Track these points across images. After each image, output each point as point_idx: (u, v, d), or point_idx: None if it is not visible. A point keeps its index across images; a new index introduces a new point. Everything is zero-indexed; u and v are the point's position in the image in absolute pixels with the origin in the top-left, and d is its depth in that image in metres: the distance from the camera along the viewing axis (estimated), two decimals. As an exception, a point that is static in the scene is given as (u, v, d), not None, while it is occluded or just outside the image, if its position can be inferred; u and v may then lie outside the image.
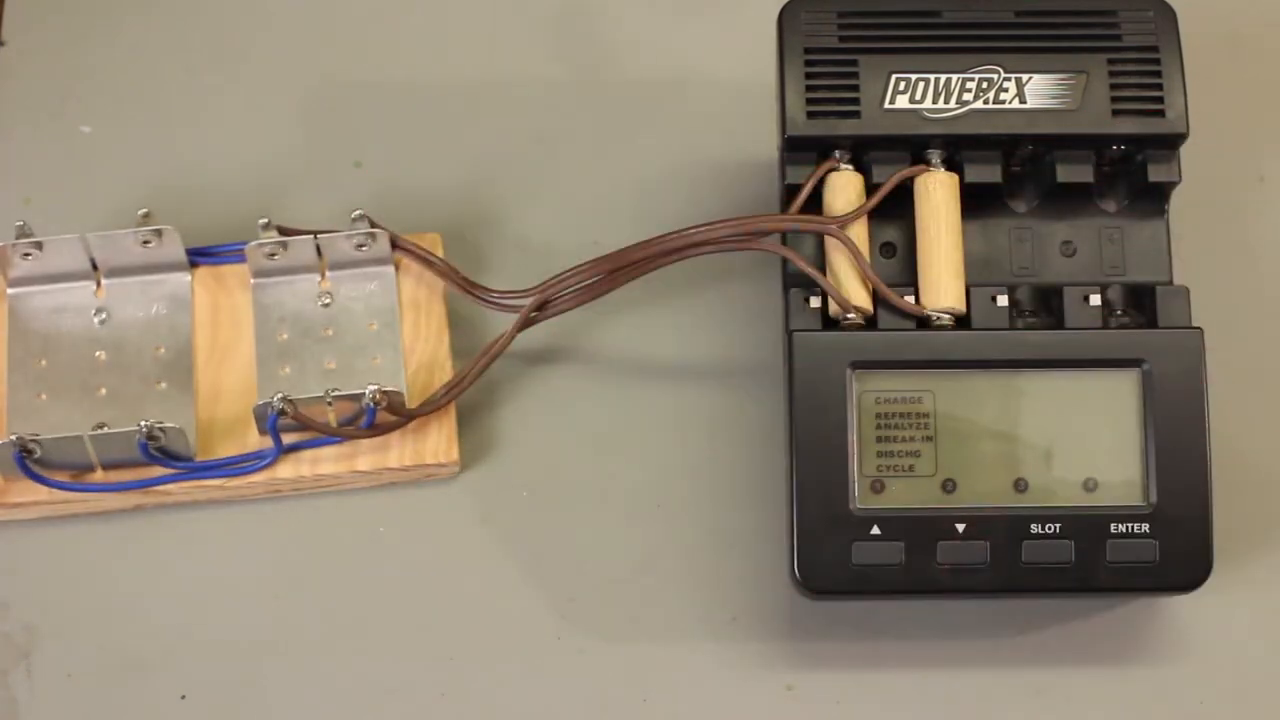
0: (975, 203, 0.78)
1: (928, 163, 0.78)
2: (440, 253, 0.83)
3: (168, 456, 0.78)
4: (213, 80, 0.88)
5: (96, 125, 0.87)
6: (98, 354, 0.81)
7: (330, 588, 0.79)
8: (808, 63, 0.77)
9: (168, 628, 0.79)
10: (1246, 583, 0.80)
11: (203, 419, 0.80)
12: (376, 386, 0.78)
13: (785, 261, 0.79)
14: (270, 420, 0.77)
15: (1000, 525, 0.74)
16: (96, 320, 0.82)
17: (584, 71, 0.89)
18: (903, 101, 0.77)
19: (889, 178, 0.78)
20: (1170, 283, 0.78)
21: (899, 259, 0.79)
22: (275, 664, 0.78)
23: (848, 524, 0.74)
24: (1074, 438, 0.75)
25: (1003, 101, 0.77)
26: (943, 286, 0.77)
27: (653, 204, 0.85)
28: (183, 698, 0.78)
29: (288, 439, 0.79)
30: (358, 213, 0.81)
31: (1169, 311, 0.77)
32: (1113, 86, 0.77)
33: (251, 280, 0.82)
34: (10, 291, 0.82)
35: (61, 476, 0.78)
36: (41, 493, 0.78)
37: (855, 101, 0.77)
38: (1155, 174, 0.78)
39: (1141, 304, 0.78)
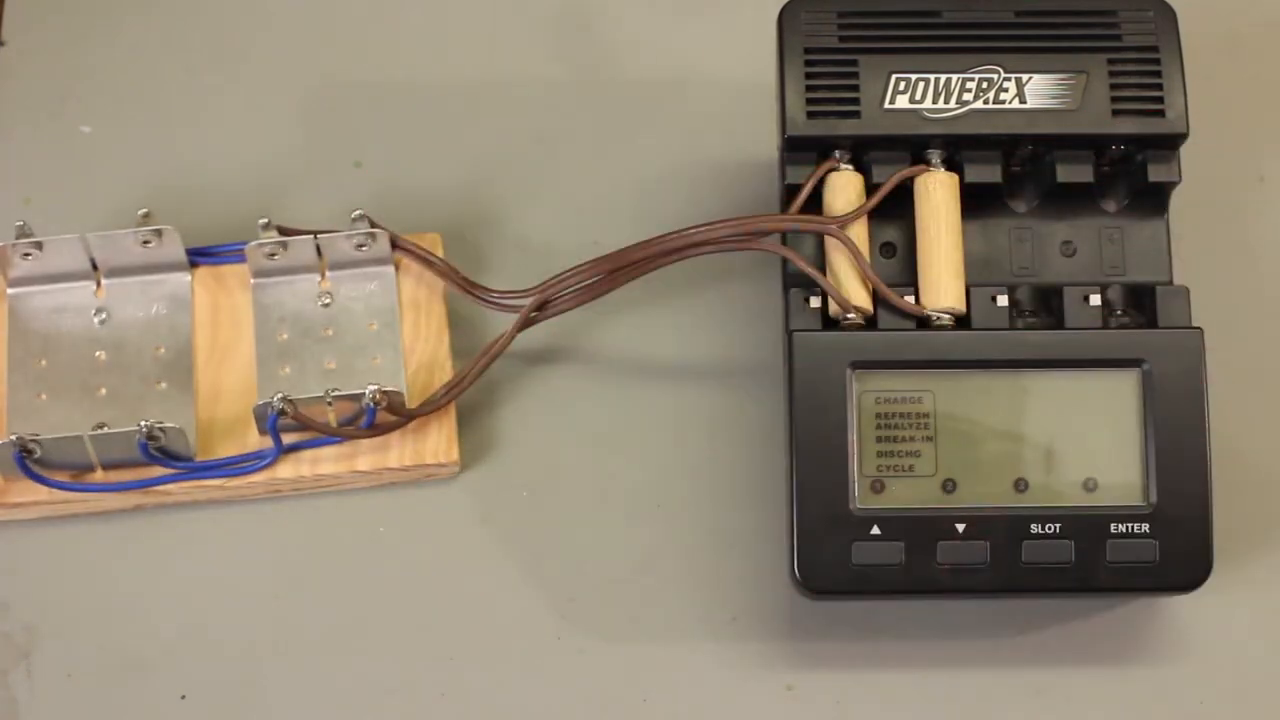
0: (975, 203, 0.78)
1: (928, 163, 0.78)
2: (440, 253, 0.83)
3: (168, 456, 0.78)
4: (213, 80, 0.88)
5: (96, 125, 0.87)
6: (98, 354, 0.81)
7: (330, 588, 0.79)
8: (808, 63, 0.77)
9: (168, 628, 0.78)
10: (1246, 583, 0.79)
11: (203, 419, 0.80)
12: (376, 386, 0.78)
13: (785, 261, 0.78)
14: (270, 420, 0.77)
15: (1000, 525, 0.74)
16: (96, 320, 0.82)
17: (584, 71, 0.89)
18: (903, 101, 0.77)
19: (889, 178, 0.78)
20: (1170, 283, 0.78)
21: (899, 259, 0.79)
22: (275, 664, 0.78)
23: (848, 524, 0.74)
24: (1074, 438, 0.75)
25: (1003, 101, 0.77)
26: (943, 286, 0.77)
27: (653, 204, 0.85)
28: (183, 698, 0.78)
29: (288, 439, 0.79)
30: (358, 213, 0.81)
31: (1169, 311, 0.77)
32: (1113, 86, 0.77)
33: (251, 280, 0.82)
34: (10, 291, 0.82)
35: (61, 476, 0.78)
36: (41, 493, 0.78)
37: (855, 101, 0.77)
38: (1155, 174, 0.78)
39: (1141, 304, 0.78)
